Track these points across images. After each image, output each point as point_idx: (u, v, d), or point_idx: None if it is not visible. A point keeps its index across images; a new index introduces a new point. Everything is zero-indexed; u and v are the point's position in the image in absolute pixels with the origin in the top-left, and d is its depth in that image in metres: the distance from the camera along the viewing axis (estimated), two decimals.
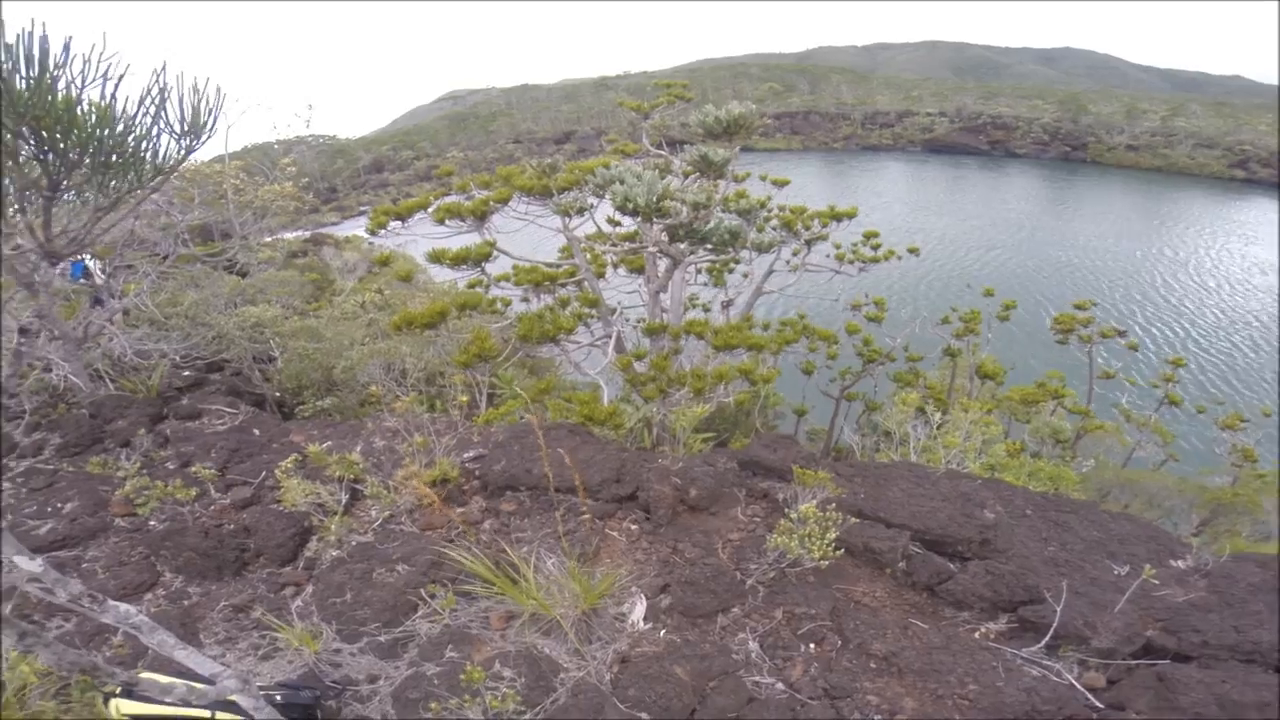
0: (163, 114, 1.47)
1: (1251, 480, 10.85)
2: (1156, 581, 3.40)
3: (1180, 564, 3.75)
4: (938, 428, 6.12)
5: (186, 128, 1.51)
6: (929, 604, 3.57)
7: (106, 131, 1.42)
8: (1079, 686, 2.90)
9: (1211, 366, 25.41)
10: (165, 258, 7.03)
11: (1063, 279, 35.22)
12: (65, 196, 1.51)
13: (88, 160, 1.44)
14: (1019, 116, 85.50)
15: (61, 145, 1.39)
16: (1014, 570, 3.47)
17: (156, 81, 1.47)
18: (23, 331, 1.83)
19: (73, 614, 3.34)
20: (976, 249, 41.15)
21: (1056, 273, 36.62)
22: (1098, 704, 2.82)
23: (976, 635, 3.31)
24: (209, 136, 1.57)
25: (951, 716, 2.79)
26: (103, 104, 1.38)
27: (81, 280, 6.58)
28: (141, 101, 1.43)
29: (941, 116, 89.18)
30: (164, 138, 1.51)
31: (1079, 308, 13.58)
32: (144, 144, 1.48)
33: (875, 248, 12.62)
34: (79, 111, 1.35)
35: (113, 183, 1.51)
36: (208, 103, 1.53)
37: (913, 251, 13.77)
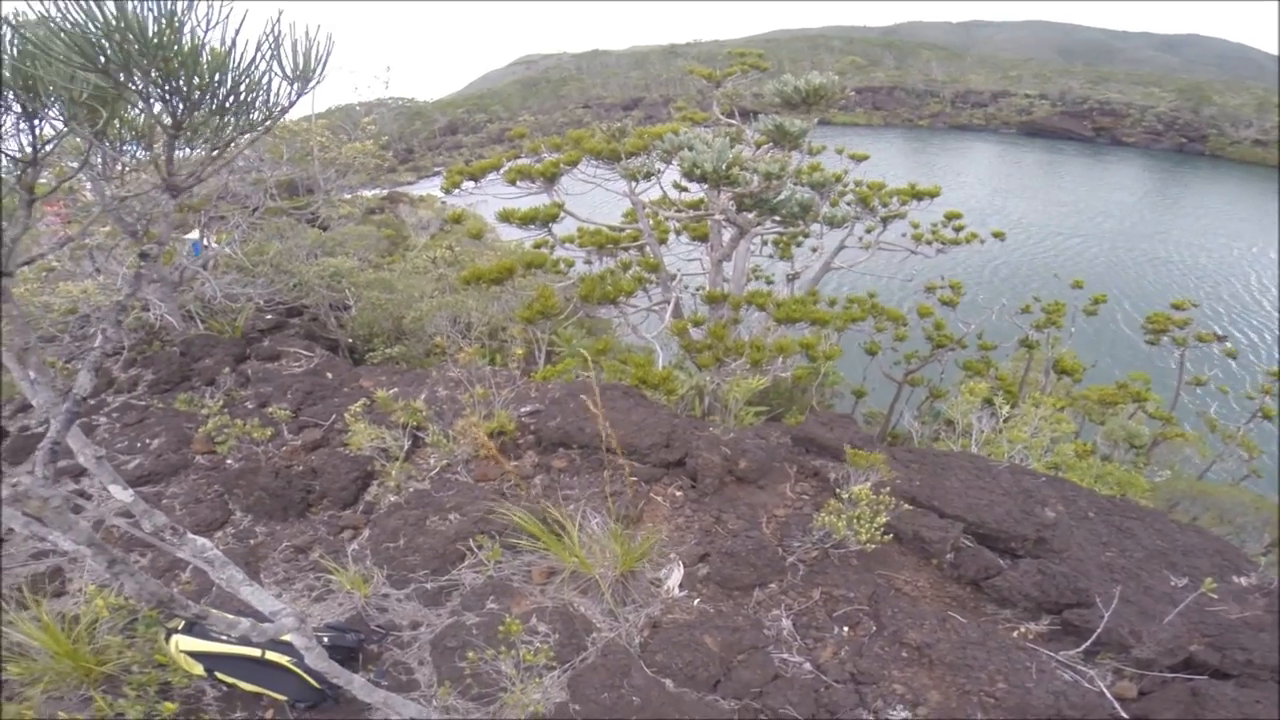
0: (277, 59, 1.55)
1: None
2: (1215, 596, 3.26)
3: (1242, 581, 3.57)
4: (1004, 420, 5.86)
5: (298, 73, 1.58)
6: (972, 598, 3.48)
7: (227, 75, 1.52)
8: (1108, 694, 2.81)
9: None
10: (254, 210, 7.41)
11: (1160, 276, 32.67)
12: (186, 136, 1.63)
13: (208, 101, 1.54)
14: (1131, 104, 78.86)
15: (185, 87, 1.49)
16: (1066, 572, 3.36)
17: (272, 30, 1.56)
18: (144, 256, 1.97)
19: (147, 550, 3.59)
20: (1067, 238, 38.57)
21: (1154, 269, 33.98)
22: (1123, 714, 2.73)
23: (1015, 634, 3.22)
24: (318, 82, 1.65)
25: (974, 714, 2.73)
26: (223, 49, 1.48)
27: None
28: (259, 47, 1.52)
29: (1042, 99, 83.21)
30: (276, 81, 1.60)
31: (1176, 307, 12.62)
32: (259, 87, 1.58)
33: (957, 230, 12.02)
34: (204, 55, 1.45)
35: (230, 122, 1.62)
36: (317, 50, 1.59)
37: (997, 236, 13.06)
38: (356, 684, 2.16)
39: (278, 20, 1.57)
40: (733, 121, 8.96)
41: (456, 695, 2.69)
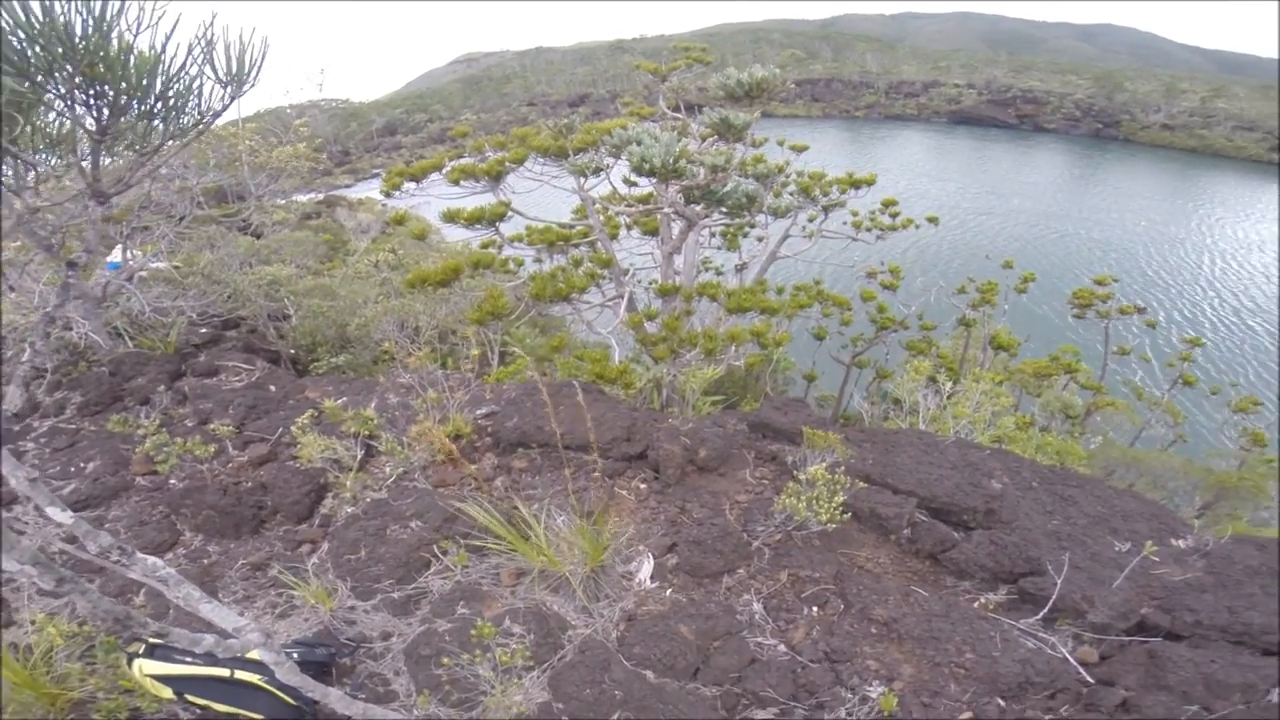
0: (209, 62, 1.50)
1: (1259, 465, 10.73)
2: (1156, 559, 3.42)
3: (1181, 544, 3.77)
4: (948, 397, 6.09)
5: (231, 76, 1.53)
6: (931, 572, 3.61)
7: (155, 79, 1.45)
8: (1072, 660, 2.94)
9: (1230, 350, 25.01)
10: (181, 219, 7.06)
11: (1084, 255, 34.55)
12: (110, 142, 1.57)
13: (136, 106, 1.48)
14: (1051, 91, 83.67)
15: (112, 91, 1.43)
16: (1017, 542, 3.49)
17: (205, 33, 1.52)
18: (70, 265, 1.87)
19: (96, 574, 3.42)
20: (997, 221, 40.36)
21: (1078, 248, 35.92)
22: (1089, 678, 2.86)
23: (976, 605, 3.34)
24: (252, 85, 1.60)
25: (947, 684, 2.83)
26: (152, 53, 1.42)
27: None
28: (190, 50, 1.47)
29: (970, 88, 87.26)
30: (208, 85, 1.54)
31: (1099, 283, 13.35)
32: (190, 91, 1.52)
33: (893, 216, 12.42)
34: (132, 59, 1.39)
35: (159, 127, 1.55)
36: (252, 53, 1.55)
37: (931, 221, 13.54)
38: (333, 697, 2.10)
39: (211, 23, 1.53)
40: (679, 115, 9.01)
41: (437, 703, 2.65)
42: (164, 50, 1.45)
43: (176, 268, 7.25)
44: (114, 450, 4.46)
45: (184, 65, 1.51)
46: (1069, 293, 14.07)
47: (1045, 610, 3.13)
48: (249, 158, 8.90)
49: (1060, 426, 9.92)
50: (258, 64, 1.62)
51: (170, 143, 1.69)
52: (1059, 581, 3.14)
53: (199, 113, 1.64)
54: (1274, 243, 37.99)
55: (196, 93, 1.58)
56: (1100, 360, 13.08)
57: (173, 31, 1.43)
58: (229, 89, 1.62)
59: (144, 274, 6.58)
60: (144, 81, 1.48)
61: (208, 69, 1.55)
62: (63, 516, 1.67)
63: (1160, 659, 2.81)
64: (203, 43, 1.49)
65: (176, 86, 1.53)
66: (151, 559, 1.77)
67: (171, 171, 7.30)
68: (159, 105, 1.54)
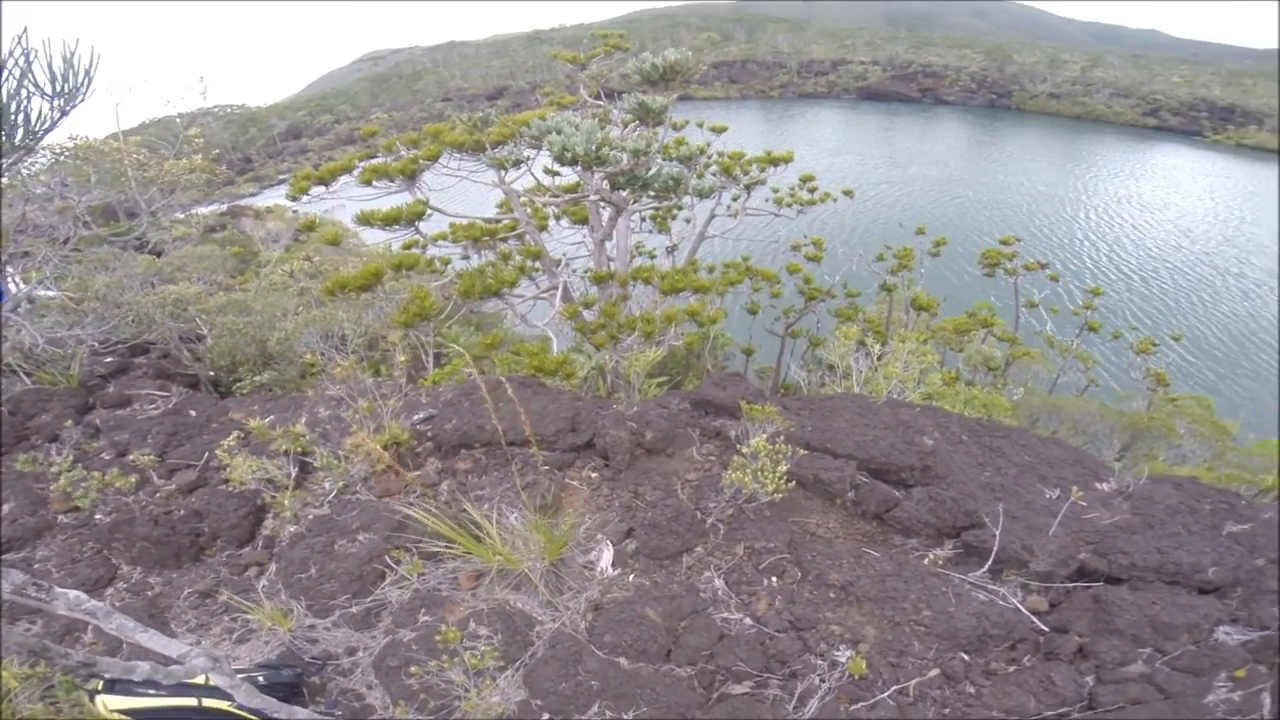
0: (29, 76, 1.39)
1: (1164, 404, 11.59)
2: (1084, 504, 3.61)
3: (1105, 487, 3.97)
4: (878, 359, 6.34)
5: (58, 89, 1.43)
6: (879, 532, 3.73)
7: None
8: (1024, 610, 3.08)
9: (1128, 297, 27.11)
10: (65, 241, 6.53)
11: (989, 217, 36.63)
12: None
13: None
14: (948, 66, 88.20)
15: None
16: (954, 496, 3.63)
17: (19, 44, 1.41)
18: None
19: (38, 616, 3.23)
20: (908, 190, 42.18)
21: (983, 212, 38.04)
22: (1043, 627, 3.01)
23: (925, 561, 3.48)
24: (83, 98, 1.50)
25: (910, 642, 2.94)
26: None
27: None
28: (3, 65, 1.36)
29: (875, 65, 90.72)
30: (34, 100, 1.43)
31: (1004, 243, 14.11)
32: (12, 106, 1.41)
33: (811, 190, 12.77)
34: None
35: None
36: (78, 64, 1.45)
37: (847, 194, 13.97)
38: (301, 716, 2.04)
39: (24, 34, 1.44)
40: (600, 103, 8.95)
41: (414, 712, 2.61)
42: None
43: (69, 296, 6.72)
44: (27, 490, 4.15)
45: None
46: (978, 254, 14.82)
47: (990, 562, 3.27)
48: (136, 172, 8.31)
49: (984, 379, 10.48)
50: (89, 75, 1.54)
51: (6, 157, 1.59)
52: (998, 533, 3.28)
53: (29, 130, 1.53)
54: (1153, 197, 41.45)
55: (23, 108, 1.48)
56: (1012, 315, 13.86)
57: None
58: (58, 102, 1.53)
59: (29, 304, 6.07)
60: None
61: (28, 84, 1.45)
62: None
63: (1106, 604, 2.97)
64: (19, 56, 1.40)
65: None
66: (74, 593, 1.67)
67: (48, 191, 6.75)
68: None
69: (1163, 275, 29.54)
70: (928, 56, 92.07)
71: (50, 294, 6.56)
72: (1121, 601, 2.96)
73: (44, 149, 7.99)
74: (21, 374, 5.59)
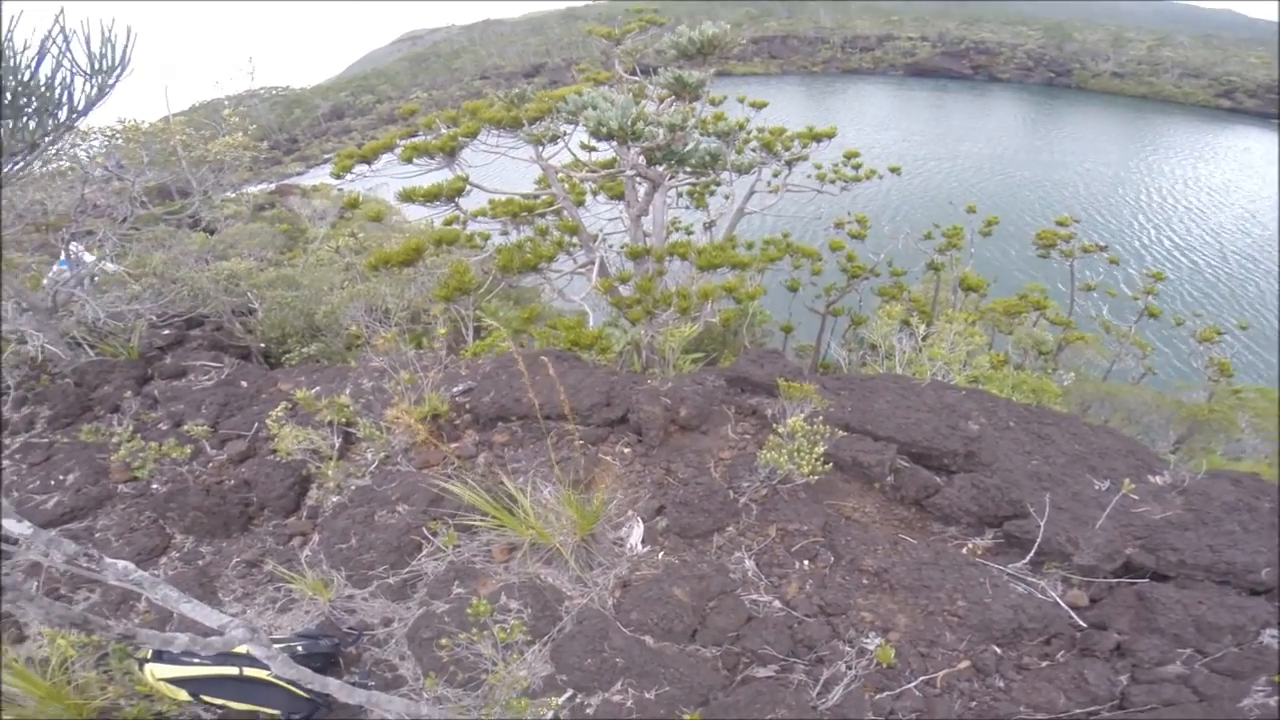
0: (67, 55, 1.43)
1: (1227, 396, 10.97)
2: (1135, 497, 3.43)
3: (1158, 480, 3.77)
4: (923, 339, 6.17)
5: (97, 67, 1.46)
6: (917, 518, 3.63)
7: (8, 75, 1.38)
8: (1063, 604, 2.97)
9: (1191, 282, 25.68)
10: (123, 220, 6.80)
11: (1046, 198, 35.06)
12: None
13: None
14: (1002, 42, 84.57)
15: None
16: (999, 484, 3.49)
17: (59, 26, 1.45)
18: None
19: (96, 585, 3.39)
20: (959, 169, 40.70)
21: (1039, 192, 36.42)
22: (1081, 623, 2.89)
23: (964, 551, 3.37)
24: (119, 77, 1.53)
25: (942, 633, 2.86)
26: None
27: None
28: (42, 45, 1.39)
29: (923, 41, 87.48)
30: (76, 79, 1.47)
31: (1061, 224, 13.54)
32: (55, 84, 1.45)
33: (856, 167, 12.47)
34: None
35: (26, 125, 1.47)
36: (116, 43, 1.49)
37: (894, 171, 13.60)
38: (333, 687, 2.11)
39: (61, 14, 1.47)
40: (636, 78, 8.85)
41: (444, 684, 2.68)
42: (8, 45, 1.39)
43: (129, 272, 7.01)
44: (91, 460, 4.36)
45: (39, 60, 1.44)
46: (1031, 234, 14.25)
47: (1032, 554, 3.15)
48: (185, 152, 8.56)
49: (1033, 363, 10.12)
50: (126, 54, 1.56)
51: (45, 140, 1.63)
52: (1042, 524, 3.15)
53: (70, 107, 1.57)
54: (1222, 180, 38.99)
55: (66, 86, 1.52)
56: (1065, 298, 13.34)
57: (14, 25, 1.37)
58: (96, 80, 1.55)
59: (96, 278, 6.36)
60: None
61: (67, 63, 1.49)
62: (20, 528, 1.63)
63: (1150, 601, 2.84)
64: (58, 37, 1.43)
65: (31, 82, 1.47)
66: (123, 563, 1.74)
67: (106, 174, 7.03)
68: (27, 103, 1.48)
69: (1230, 261, 27.88)
70: (980, 33, 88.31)
71: (115, 268, 6.87)
72: (1166, 599, 2.83)
73: (97, 133, 8.29)
74: (86, 346, 5.87)
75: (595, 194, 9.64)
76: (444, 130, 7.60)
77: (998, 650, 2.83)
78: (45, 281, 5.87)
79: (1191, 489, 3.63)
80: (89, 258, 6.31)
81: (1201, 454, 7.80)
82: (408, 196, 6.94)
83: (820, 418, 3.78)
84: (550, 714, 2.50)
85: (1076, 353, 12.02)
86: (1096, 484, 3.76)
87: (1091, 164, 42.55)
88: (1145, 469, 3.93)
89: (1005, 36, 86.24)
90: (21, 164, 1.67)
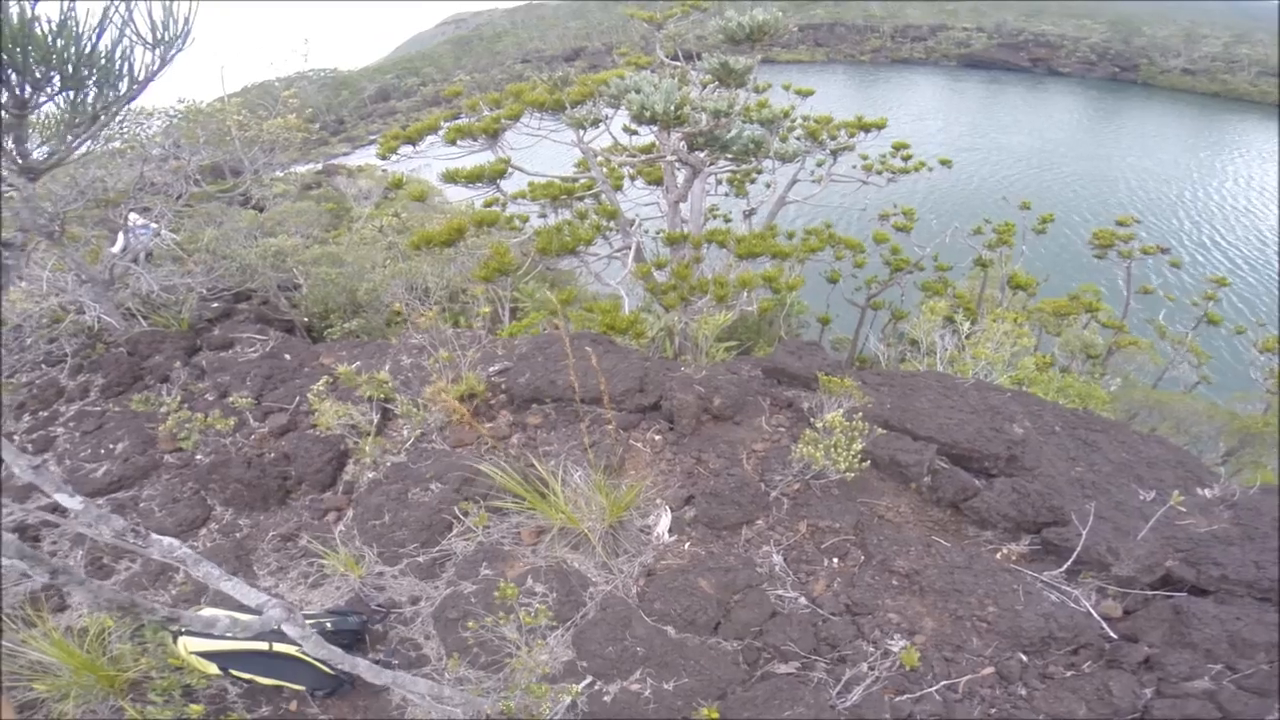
0: (130, 25, 1.43)
1: None
2: (1182, 510, 3.31)
3: (1206, 493, 3.64)
4: (966, 337, 5.99)
5: (159, 37, 1.46)
6: (952, 521, 3.55)
7: (70, 46, 1.39)
8: (1095, 615, 2.89)
9: (1255, 291, 24.38)
10: (179, 198, 7.02)
11: (1104, 196, 33.60)
12: (38, 116, 1.51)
13: (56, 77, 1.41)
14: (1065, 35, 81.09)
15: (23, 63, 1.36)
16: (1040, 490, 3.40)
17: None
18: (5, 245, 1.83)
19: (137, 557, 3.51)
20: (1013, 163, 39.26)
21: (1097, 190, 34.92)
22: (1112, 634, 2.81)
23: (998, 556, 3.29)
24: (181, 47, 1.53)
25: (969, 638, 2.80)
26: (62, 20, 1.35)
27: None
28: (105, 14, 1.39)
29: (979, 32, 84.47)
30: (136, 49, 1.47)
31: (1121, 224, 12.99)
32: (116, 55, 1.45)
33: (905, 159, 12.15)
34: (38, 29, 1.32)
35: (89, 96, 1.49)
36: (178, 13, 1.48)
37: (944, 163, 13.19)
38: (362, 667, 2.14)
39: None
40: (677, 63, 8.74)
41: (466, 665, 2.71)
42: (71, 14, 1.39)
43: (181, 247, 7.25)
44: (140, 430, 4.52)
45: (100, 31, 1.45)
46: (1086, 233, 13.71)
47: (1069, 562, 3.06)
48: (239, 132, 8.77)
49: (1081, 367, 9.76)
50: (188, 24, 1.56)
51: (106, 112, 1.64)
52: (1083, 533, 3.06)
53: (131, 78, 1.57)
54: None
55: (127, 58, 1.52)
56: (1121, 301, 12.82)
57: None
58: (157, 51, 1.55)
59: (155, 245, 6.61)
60: (57, 49, 1.42)
61: (130, 33, 1.48)
62: (72, 502, 1.67)
63: (1185, 615, 2.74)
64: (121, 6, 1.42)
65: (94, 53, 1.47)
66: (168, 540, 1.78)
67: (164, 152, 7.26)
68: (88, 74, 1.49)
69: None
70: (1041, 25, 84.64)
71: (172, 237, 7.12)
72: (1203, 614, 2.72)
73: (158, 112, 8.56)
74: (140, 317, 6.09)
75: (633, 179, 9.58)
76: (487, 112, 7.63)
77: (1024, 658, 2.76)
78: (104, 256, 6.09)
79: (1241, 504, 3.50)
80: (154, 227, 6.56)
81: (1254, 468, 7.44)
82: (451, 178, 7.00)
83: (860, 414, 3.69)
84: (569, 700, 2.51)
85: (1127, 358, 11.56)
86: (1142, 494, 3.64)
87: (1156, 162, 40.62)
88: (1194, 481, 3.80)
89: (1068, 29, 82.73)
90: (85, 138, 1.70)
